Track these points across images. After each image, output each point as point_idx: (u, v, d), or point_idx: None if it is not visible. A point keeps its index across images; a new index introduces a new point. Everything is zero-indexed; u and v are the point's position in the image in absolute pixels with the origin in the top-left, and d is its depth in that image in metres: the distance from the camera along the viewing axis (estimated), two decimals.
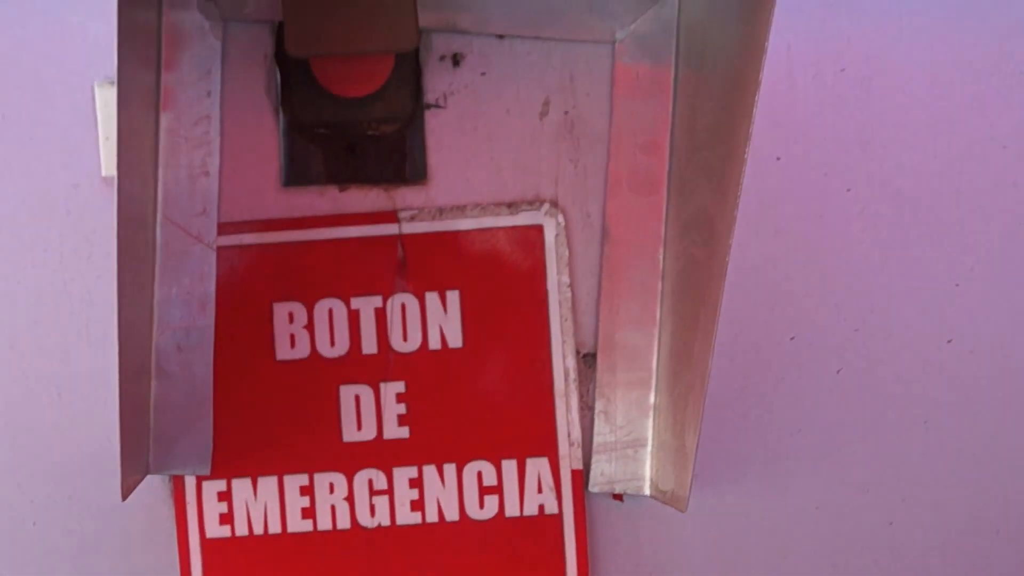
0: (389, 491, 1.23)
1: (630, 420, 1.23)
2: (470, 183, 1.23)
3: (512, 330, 1.23)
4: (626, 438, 1.23)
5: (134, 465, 1.14)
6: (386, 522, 1.23)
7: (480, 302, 1.23)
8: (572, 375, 1.23)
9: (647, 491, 1.24)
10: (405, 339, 1.23)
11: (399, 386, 1.23)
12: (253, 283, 1.21)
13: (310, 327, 1.22)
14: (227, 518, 1.22)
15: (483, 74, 1.22)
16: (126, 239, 1.04)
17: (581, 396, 1.24)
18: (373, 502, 1.23)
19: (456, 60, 1.22)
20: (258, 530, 1.23)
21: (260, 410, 1.22)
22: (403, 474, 1.23)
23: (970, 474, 1.28)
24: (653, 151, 1.21)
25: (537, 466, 1.24)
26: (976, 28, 1.24)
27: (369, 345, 1.22)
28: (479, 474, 1.24)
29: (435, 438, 1.23)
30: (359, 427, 1.23)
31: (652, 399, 1.23)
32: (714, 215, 1.09)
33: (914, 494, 1.28)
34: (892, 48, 1.24)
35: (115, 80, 1.00)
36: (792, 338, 1.26)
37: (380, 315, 1.22)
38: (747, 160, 1.00)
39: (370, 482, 1.23)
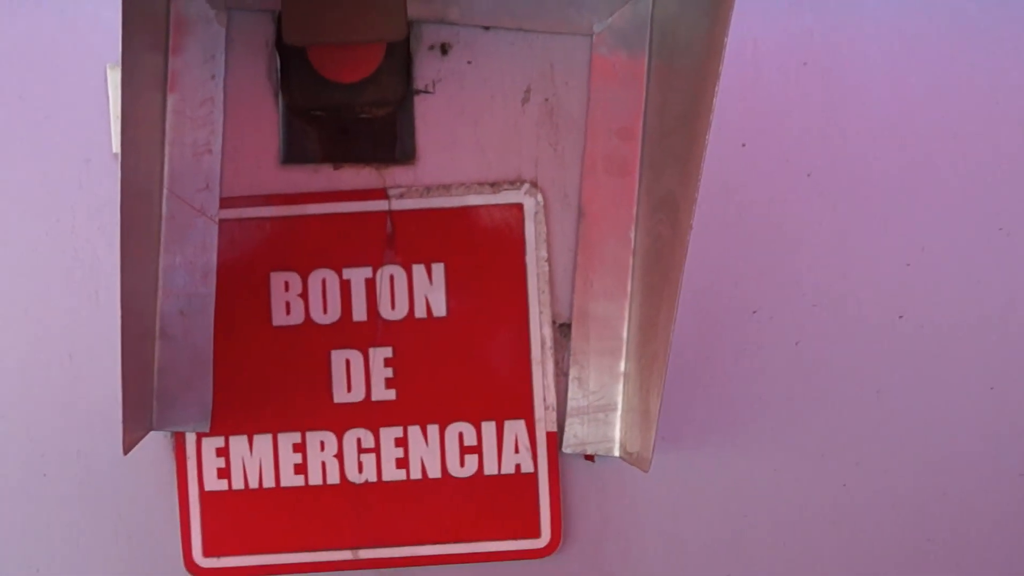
0: (376, 449, 1.23)
1: (602, 386, 1.23)
2: (456, 163, 1.22)
3: (493, 301, 1.23)
4: (598, 403, 1.23)
5: (137, 422, 1.14)
6: (373, 478, 1.23)
7: (463, 274, 1.23)
8: (548, 343, 1.23)
9: (616, 452, 1.23)
10: (393, 308, 1.23)
11: (387, 351, 1.23)
12: (252, 254, 1.21)
13: (304, 295, 1.22)
14: (224, 472, 1.22)
15: (469, 63, 1.22)
16: (130, 211, 1.04)
17: (556, 363, 1.24)
18: (361, 459, 1.23)
19: (444, 49, 1.21)
20: (253, 484, 1.23)
21: (257, 372, 1.22)
22: (389, 434, 1.23)
23: (919, 440, 1.28)
24: (627, 136, 1.21)
25: (514, 428, 1.24)
26: (931, 24, 1.24)
27: (359, 313, 1.22)
28: (460, 435, 1.24)
29: (420, 400, 1.23)
30: (349, 389, 1.23)
31: (622, 366, 1.23)
32: (679, 196, 1.08)
33: (867, 458, 1.27)
34: (851, 43, 1.24)
35: None
36: (754, 312, 1.26)
37: (370, 285, 1.22)
38: (707, 146, 1.00)
39: (358, 441, 1.23)
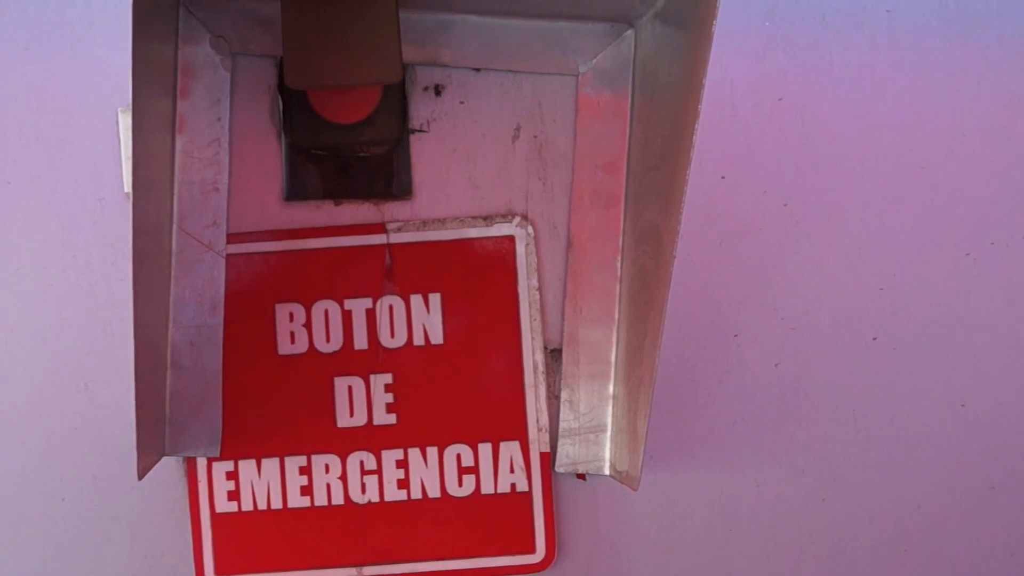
0: (378, 471, 1.23)
1: (592, 408, 1.23)
2: (450, 198, 1.23)
3: (487, 328, 1.23)
4: (588, 424, 1.24)
5: (150, 448, 1.14)
6: (375, 499, 1.24)
7: (459, 303, 1.23)
8: (540, 368, 1.24)
9: (607, 471, 1.24)
10: (392, 336, 1.23)
11: (387, 378, 1.23)
12: (257, 286, 1.21)
13: (308, 325, 1.22)
14: (234, 495, 1.23)
15: (462, 103, 1.22)
16: (142, 247, 1.05)
17: (548, 387, 1.24)
18: (364, 481, 1.23)
19: (438, 90, 1.22)
20: (262, 506, 1.23)
21: (264, 399, 1.22)
22: (391, 456, 1.23)
23: (893, 456, 1.28)
24: (612, 171, 1.22)
25: (509, 449, 1.24)
26: (896, 61, 1.25)
27: (360, 341, 1.23)
28: (458, 456, 1.24)
29: (419, 424, 1.23)
30: (351, 414, 1.23)
31: (611, 389, 1.23)
32: (661, 228, 1.09)
33: (844, 474, 1.28)
34: (823, 81, 1.24)
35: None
36: (736, 336, 1.26)
37: (370, 315, 1.23)
38: (688, 181, 1.01)
39: (361, 463, 1.23)
